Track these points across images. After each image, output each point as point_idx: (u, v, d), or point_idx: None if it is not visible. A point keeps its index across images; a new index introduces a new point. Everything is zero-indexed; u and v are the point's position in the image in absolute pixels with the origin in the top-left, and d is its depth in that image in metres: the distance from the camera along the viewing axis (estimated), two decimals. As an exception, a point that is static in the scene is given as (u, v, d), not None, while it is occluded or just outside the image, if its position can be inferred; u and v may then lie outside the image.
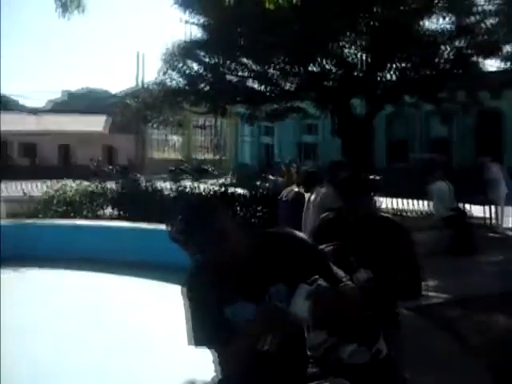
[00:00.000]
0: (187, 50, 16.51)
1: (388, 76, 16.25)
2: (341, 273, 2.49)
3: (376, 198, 8.79)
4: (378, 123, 25.76)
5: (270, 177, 22.13)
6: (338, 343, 3.02)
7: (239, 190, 13.77)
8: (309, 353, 2.66)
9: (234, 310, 2.37)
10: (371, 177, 13.15)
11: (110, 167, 20.28)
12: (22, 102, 64.25)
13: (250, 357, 2.32)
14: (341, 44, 15.41)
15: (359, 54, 15.82)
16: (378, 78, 16.16)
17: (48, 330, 6.32)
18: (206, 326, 2.39)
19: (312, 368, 2.56)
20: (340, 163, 7.30)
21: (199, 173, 34.01)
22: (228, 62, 16.54)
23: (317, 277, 2.28)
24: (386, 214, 3.90)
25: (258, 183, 15.76)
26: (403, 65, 15.59)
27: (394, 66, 15.69)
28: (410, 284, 3.59)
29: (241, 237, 2.39)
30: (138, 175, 17.01)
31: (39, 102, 74.48)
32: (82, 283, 8.70)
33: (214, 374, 2.56)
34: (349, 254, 3.29)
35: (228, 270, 2.37)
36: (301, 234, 2.62)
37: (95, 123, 48.09)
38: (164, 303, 7.23)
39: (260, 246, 2.44)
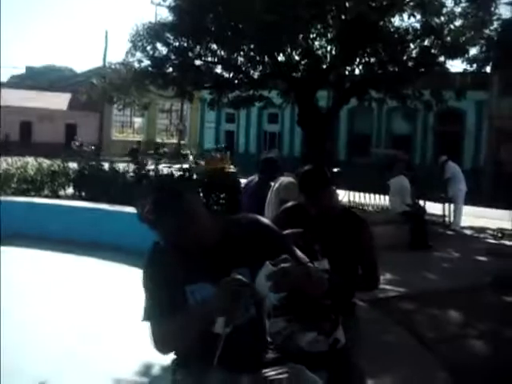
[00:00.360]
0: (156, 32, 16.34)
1: (355, 70, 16.39)
2: (305, 258, 2.54)
3: (336, 190, 8.88)
4: (341, 117, 25.98)
5: (201, 162, 22.38)
6: (297, 331, 3.08)
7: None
8: (269, 339, 2.71)
9: (194, 290, 2.40)
10: (334, 169, 13.32)
11: (92, 147, 19.56)
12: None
13: (207, 336, 2.35)
14: (310, 36, 15.44)
15: (328, 47, 15.89)
16: (346, 72, 16.27)
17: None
18: (164, 303, 2.39)
19: (271, 354, 2.61)
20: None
21: (177, 157, 33.95)
22: (197, 46, 16.44)
23: (285, 256, 2.28)
24: (346, 207, 3.96)
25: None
26: (370, 60, 15.72)
27: (362, 60, 15.82)
28: (367, 276, 3.67)
29: (208, 220, 2.43)
30: (148, 160, 16.63)
31: (1, 77, 73.06)
32: (39, 262, 8.65)
33: (173, 356, 2.60)
34: (312, 241, 3.33)
35: (193, 252, 2.40)
36: (265, 220, 2.67)
37: (58, 101, 47.44)
38: (121, 285, 7.24)
39: (225, 230, 2.49)
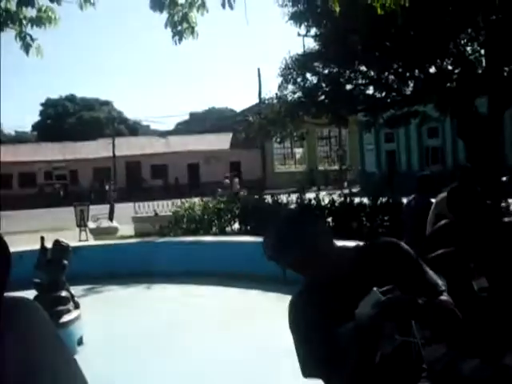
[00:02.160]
0: (304, 63, 16.58)
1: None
2: (438, 285, 2.36)
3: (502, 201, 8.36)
4: (504, 121, 24.59)
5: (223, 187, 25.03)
6: (458, 357, 2.90)
7: (364, 200, 13.52)
8: (426, 366, 2.57)
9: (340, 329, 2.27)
10: (502, 178, 12.61)
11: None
12: (153, 126, 67.77)
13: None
14: (460, 42, 14.88)
15: (481, 51, 15.23)
16: (504, 74, 15.43)
17: (177, 340, 6.59)
18: (318, 352, 2.28)
19: (427, 383, 2.46)
20: (465, 169, 7.22)
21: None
22: (345, 71, 16.43)
23: (391, 287, 2.16)
24: (505, 219, 3.70)
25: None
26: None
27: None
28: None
29: (329, 250, 2.35)
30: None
31: (168, 126, 77.96)
32: (210, 297, 8.94)
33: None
34: (467, 260, 3.17)
35: (327, 285, 2.33)
36: (401, 245, 2.48)
37: (221, 141, 49.43)
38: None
39: (358, 258, 2.40)
